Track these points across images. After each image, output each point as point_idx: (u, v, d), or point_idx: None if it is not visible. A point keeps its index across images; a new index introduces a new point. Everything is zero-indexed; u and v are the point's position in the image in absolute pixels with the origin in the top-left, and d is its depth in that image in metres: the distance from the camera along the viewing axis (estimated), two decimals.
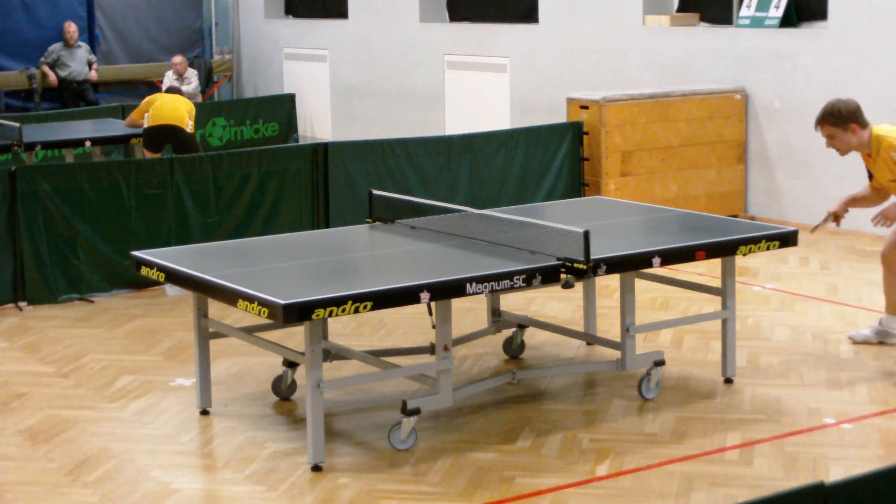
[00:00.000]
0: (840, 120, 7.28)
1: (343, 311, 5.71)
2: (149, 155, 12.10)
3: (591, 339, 7.59)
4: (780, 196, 11.76)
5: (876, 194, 7.70)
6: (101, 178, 9.50)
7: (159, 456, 6.31)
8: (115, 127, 13.18)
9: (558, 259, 6.25)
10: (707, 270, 9.04)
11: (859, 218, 10.30)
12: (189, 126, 12.16)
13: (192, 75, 17.16)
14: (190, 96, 16.17)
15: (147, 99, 12.41)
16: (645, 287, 8.19)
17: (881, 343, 7.85)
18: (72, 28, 17.36)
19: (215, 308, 7.32)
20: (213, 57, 19.29)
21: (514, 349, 7.81)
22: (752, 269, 9.93)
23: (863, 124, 7.34)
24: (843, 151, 7.45)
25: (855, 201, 7.75)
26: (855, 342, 7.92)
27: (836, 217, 7.66)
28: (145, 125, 12.16)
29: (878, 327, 7.89)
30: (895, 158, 7.29)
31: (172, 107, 12.15)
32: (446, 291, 6.00)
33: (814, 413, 6.72)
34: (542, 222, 6.86)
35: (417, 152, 10.77)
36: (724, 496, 5.67)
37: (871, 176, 7.63)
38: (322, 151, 10.30)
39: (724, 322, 7.16)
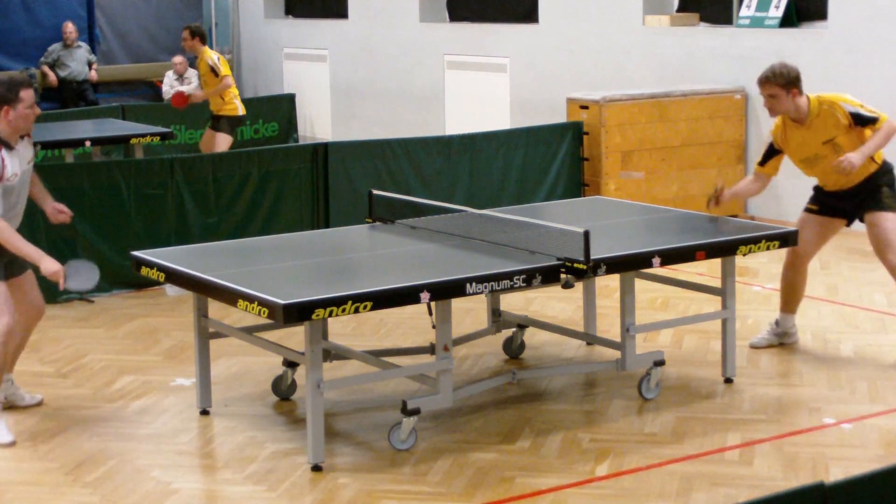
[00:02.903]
0: (787, 82, 7.41)
1: (343, 311, 5.71)
2: (228, 143, 12.52)
3: (591, 339, 7.59)
4: (780, 196, 11.76)
5: (755, 182, 7.84)
6: (101, 178, 9.51)
7: (159, 456, 6.31)
8: (115, 127, 13.18)
9: (558, 259, 6.25)
10: (707, 270, 9.03)
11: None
12: None
13: (193, 75, 17.14)
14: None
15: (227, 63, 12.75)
16: (645, 287, 8.19)
17: (781, 344, 7.85)
18: (70, 28, 17.37)
19: (215, 308, 7.32)
20: None
21: (514, 349, 7.81)
22: (752, 269, 9.93)
23: (801, 91, 7.48)
24: (776, 112, 7.53)
25: (737, 194, 7.96)
26: (758, 347, 7.85)
27: (718, 197, 7.69)
28: (240, 112, 12.73)
29: (776, 328, 7.87)
30: (845, 110, 7.37)
31: None
32: (446, 291, 6.00)
33: (814, 413, 6.73)
34: (542, 222, 6.86)
35: (417, 152, 10.77)
36: (724, 496, 5.67)
37: (764, 161, 7.72)
38: (322, 151, 10.30)
39: (724, 322, 7.16)
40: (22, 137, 6.64)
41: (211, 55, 12.52)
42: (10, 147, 6.54)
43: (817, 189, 7.75)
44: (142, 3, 19.08)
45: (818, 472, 5.91)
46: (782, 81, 7.39)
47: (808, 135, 7.50)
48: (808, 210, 7.75)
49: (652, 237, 7.23)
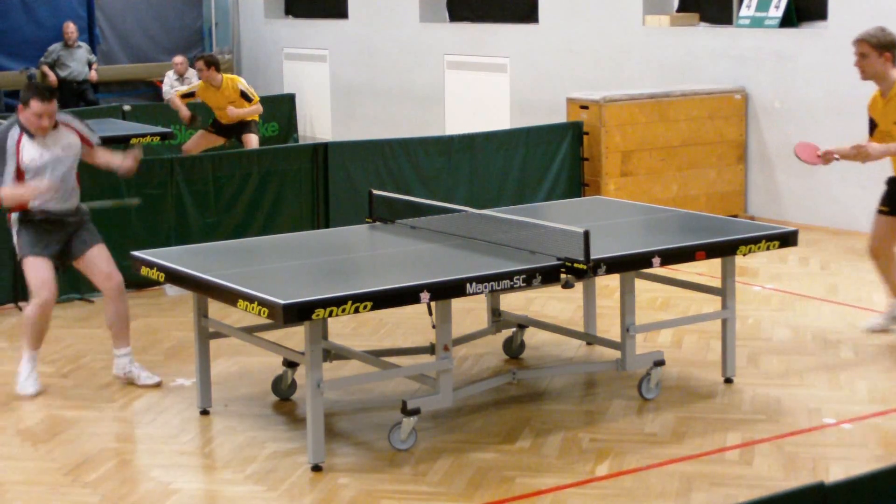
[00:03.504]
0: (881, 44, 7.51)
1: (343, 311, 5.71)
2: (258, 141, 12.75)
3: (591, 339, 7.60)
4: (780, 196, 11.76)
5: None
6: (102, 178, 9.49)
7: (159, 456, 6.31)
8: (115, 127, 13.17)
9: (558, 259, 6.25)
10: (707, 270, 9.03)
11: (859, 218, 10.32)
12: None
13: (193, 75, 17.14)
14: None
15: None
16: (645, 287, 8.19)
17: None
18: (71, 28, 17.37)
19: (215, 308, 7.33)
20: None
21: (514, 349, 7.81)
22: (752, 269, 9.93)
23: (894, 61, 7.52)
24: (865, 75, 7.61)
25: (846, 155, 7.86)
26: (874, 331, 7.98)
27: (827, 156, 7.75)
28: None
29: (892, 312, 7.96)
30: None
31: None
32: (446, 291, 6.00)
33: (814, 413, 6.73)
34: (542, 222, 6.86)
35: (417, 152, 10.77)
36: (724, 496, 5.67)
37: (872, 129, 7.71)
38: (322, 151, 10.30)
39: (724, 322, 7.16)
40: (56, 126, 7.24)
41: (241, 81, 12.84)
42: (31, 135, 7.16)
43: (891, 182, 7.75)
44: (142, 3, 19.08)
45: (818, 472, 5.91)
46: (874, 42, 7.49)
47: (885, 109, 7.57)
48: (879, 211, 7.83)
49: (652, 237, 7.22)
